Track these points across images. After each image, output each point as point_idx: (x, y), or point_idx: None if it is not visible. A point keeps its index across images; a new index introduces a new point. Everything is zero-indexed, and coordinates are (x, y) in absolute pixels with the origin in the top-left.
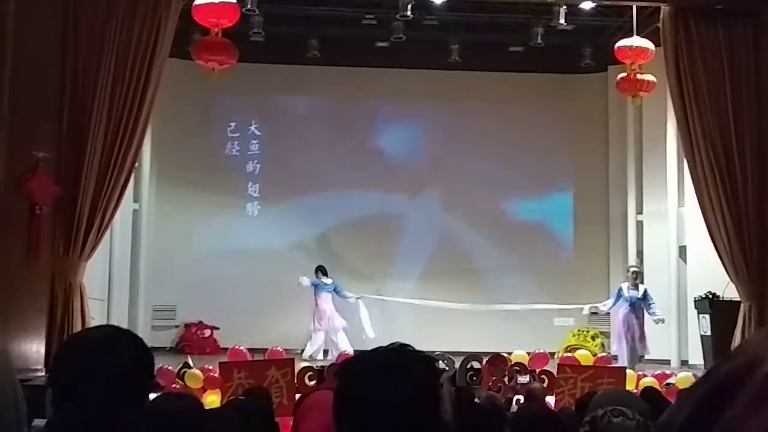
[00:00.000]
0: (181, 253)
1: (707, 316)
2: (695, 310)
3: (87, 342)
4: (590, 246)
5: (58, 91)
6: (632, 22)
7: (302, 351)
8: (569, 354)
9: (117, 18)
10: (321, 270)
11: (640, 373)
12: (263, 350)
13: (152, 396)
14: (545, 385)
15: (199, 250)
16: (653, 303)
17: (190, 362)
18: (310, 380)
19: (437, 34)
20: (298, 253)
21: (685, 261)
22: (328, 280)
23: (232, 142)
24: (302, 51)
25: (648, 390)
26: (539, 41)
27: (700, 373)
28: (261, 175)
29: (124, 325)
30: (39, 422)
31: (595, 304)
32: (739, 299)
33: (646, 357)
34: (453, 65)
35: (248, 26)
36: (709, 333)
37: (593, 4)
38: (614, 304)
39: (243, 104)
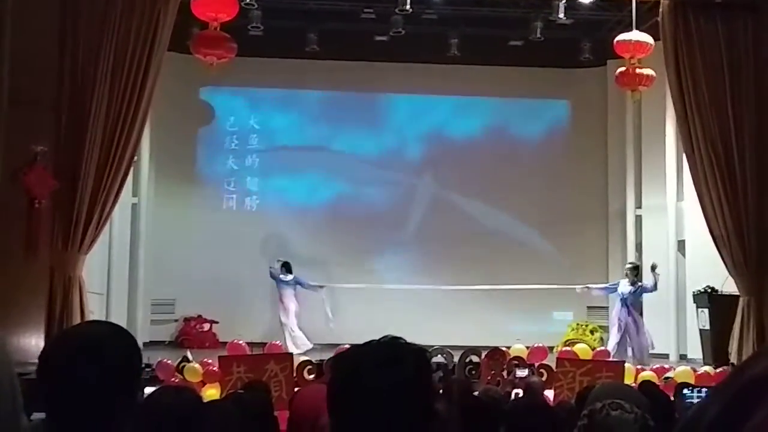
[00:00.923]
0: (180, 246)
1: (706, 310)
2: (694, 304)
3: (75, 339)
4: (589, 240)
5: (57, 84)
6: (631, 16)
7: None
8: (568, 348)
9: (116, 12)
10: (285, 266)
11: (638, 366)
12: (262, 344)
13: (151, 390)
14: (544, 379)
15: (198, 243)
16: (640, 298)
17: (189, 356)
18: (309, 374)
19: (436, 28)
20: (297, 247)
21: (684, 255)
22: (288, 277)
23: (231, 136)
24: (301, 45)
25: (646, 383)
26: (538, 35)
27: (698, 367)
28: (260, 169)
29: (123, 319)
30: (37, 416)
31: (588, 285)
32: (738, 293)
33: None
34: (452, 59)
35: (247, 20)
36: (707, 327)
37: None
38: (606, 290)
39: (242, 98)
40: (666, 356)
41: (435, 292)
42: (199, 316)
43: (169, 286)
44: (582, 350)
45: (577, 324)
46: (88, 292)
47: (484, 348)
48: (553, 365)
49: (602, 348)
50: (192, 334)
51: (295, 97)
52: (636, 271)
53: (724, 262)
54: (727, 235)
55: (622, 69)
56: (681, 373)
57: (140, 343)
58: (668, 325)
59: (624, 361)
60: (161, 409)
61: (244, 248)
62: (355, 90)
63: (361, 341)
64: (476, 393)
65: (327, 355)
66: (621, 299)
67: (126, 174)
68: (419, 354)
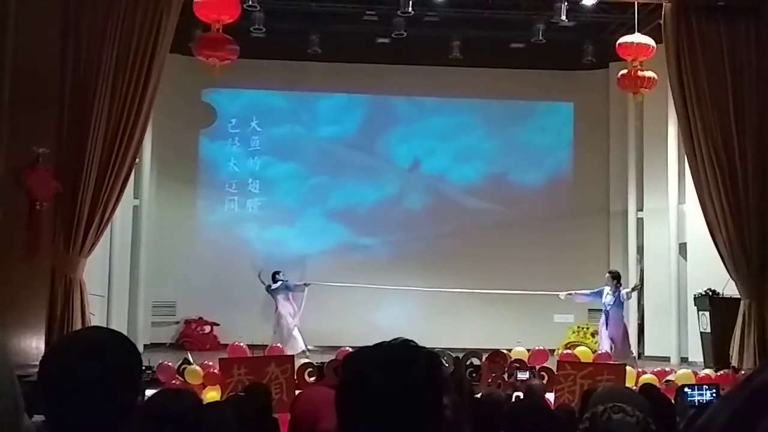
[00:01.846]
0: (182, 249)
1: (707, 313)
2: (695, 307)
3: (74, 345)
4: (591, 242)
5: (59, 86)
6: (634, 18)
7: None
8: (569, 351)
9: (118, 13)
10: (273, 275)
11: (639, 370)
12: (263, 346)
13: (152, 392)
14: (545, 381)
15: (199, 246)
16: (621, 306)
17: (190, 358)
18: (310, 377)
19: (438, 31)
20: (298, 249)
21: (685, 258)
22: (276, 284)
23: (233, 138)
24: (303, 47)
25: (647, 387)
26: (541, 38)
27: (700, 370)
28: (261, 171)
29: (124, 321)
30: (38, 418)
31: (571, 291)
32: (739, 296)
33: (646, 354)
34: (454, 62)
35: (249, 22)
36: (708, 330)
37: (595, 1)
38: (590, 296)
39: (244, 100)
40: (667, 359)
41: (436, 295)
42: (200, 318)
43: (170, 288)
44: (583, 353)
45: (578, 327)
46: (89, 294)
47: (485, 351)
48: (554, 368)
49: (603, 351)
50: (193, 337)
51: (297, 98)
52: (615, 279)
53: (725, 265)
54: (728, 237)
55: (624, 71)
56: (682, 376)
57: (141, 346)
58: (669, 328)
59: (625, 364)
60: (162, 412)
61: (245, 250)
62: (358, 92)
63: (361, 344)
64: (478, 395)
65: (327, 358)
66: (604, 310)
67: (128, 176)
68: (431, 357)
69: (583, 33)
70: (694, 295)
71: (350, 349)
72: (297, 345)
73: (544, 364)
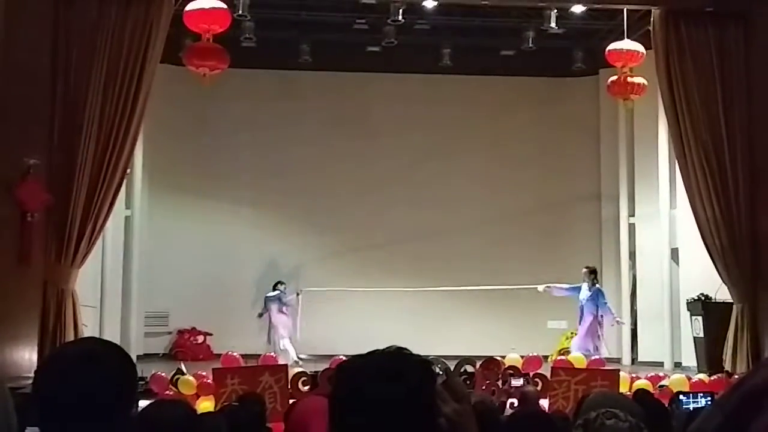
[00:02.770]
0: (174, 259)
1: (700, 318)
2: (688, 312)
3: (69, 355)
4: (582, 248)
5: (49, 97)
6: (623, 25)
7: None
8: (562, 357)
9: (108, 24)
10: (276, 285)
11: (633, 375)
12: (256, 356)
13: (145, 403)
14: (539, 388)
15: (191, 256)
16: (606, 303)
17: (184, 368)
18: (304, 386)
19: (429, 39)
20: (291, 259)
21: (677, 263)
22: (273, 293)
23: (224, 147)
24: (294, 56)
25: (640, 392)
26: (531, 45)
27: (693, 375)
28: (253, 180)
29: (117, 332)
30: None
31: (549, 285)
32: (731, 301)
33: (640, 359)
34: (445, 69)
35: (239, 32)
36: (701, 335)
37: (584, 8)
38: (568, 291)
39: (235, 109)
40: (661, 364)
41: (429, 303)
42: (193, 328)
43: (163, 298)
44: (577, 359)
45: (572, 333)
46: (82, 305)
47: (479, 358)
48: (548, 374)
49: (597, 357)
50: (186, 347)
51: (288, 107)
52: (592, 274)
53: (717, 270)
54: (720, 242)
55: (614, 78)
56: (676, 381)
57: (134, 356)
58: (662, 333)
59: (619, 370)
60: (157, 423)
61: (237, 260)
62: (348, 100)
63: (354, 352)
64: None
65: (321, 367)
66: (580, 306)
67: (119, 186)
68: (424, 365)
69: (573, 40)
70: (687, 300)
71: (344, 358)
72: (288, 357)
73: (538, 371)
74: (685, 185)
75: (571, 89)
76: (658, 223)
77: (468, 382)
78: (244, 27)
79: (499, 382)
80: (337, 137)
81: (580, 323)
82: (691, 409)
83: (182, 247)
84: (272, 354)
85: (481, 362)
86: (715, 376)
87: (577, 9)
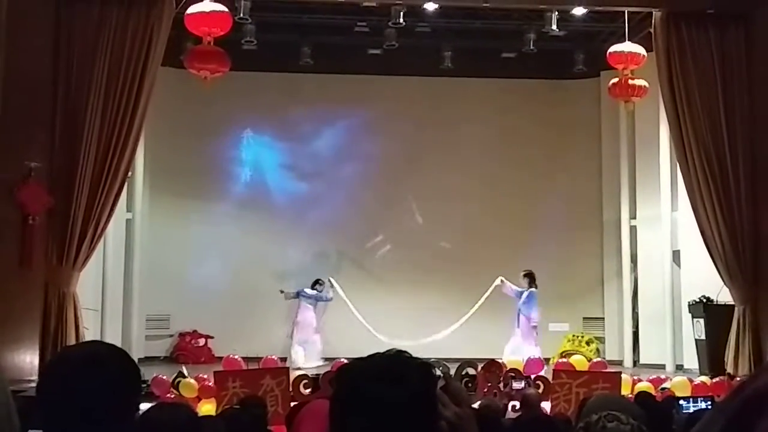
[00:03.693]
0: (175, 262)
1: (701, 320)
2: (689, 315)
3: (74, 358)
4: (584, 251)
5: (51, 100)
6: (624, 27)
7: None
8: (564, 359)
9: (109, 27)
10: (315, 283)
11: (635, 377)
12: (258, 359)
13: (147, 406)
14: (540, 390)
15: (193, 259)
16: (535, 305)
17: (185, 371)
18: (305, 388)
19: (430, 41)
20: (293, 261)
21: (678, 265)
22: (311, 291)
23: (225, 150)
24: (295, 59)
25: (642, 394)
26: (532, 47)
27: (695, 377)
28: (255, 183)
29: (118, 335)
30: None
31: (504, 279)
32: (733, 303)
33: (642, 362)
34: (446, 72)
35: (240, 34)
36: (703, 337)
37: (585, 10)
38: (512, 293)
39: (236, 112)
40: (662, 367)
41: (430, 305)
42: (195, 331)
43: (164, 301)
44: (578, 361)
45: (573, 335)
46: (83, 308)
47: (481, 360)
48: (550, 377)
49: (598, 359)
50: (187, 350)
51: (289, 110)
52: (527, 278)
53: (719, 272)
54: (721, 244)
55: (615, 80)
56: (677, 383)
57: (135, 359)
58: (664, 336)
59: (620, 373)
60: (159, 426)
61: (239, 263)
62: (349, 103)
63: (356, 355)
64: (475, 406)
65: (323, 369)
66: (518, 308)
67: (120, 189)
68: (424, 368)
69: (574, 42)
70: (689, 302)
71: (345, 361)
72: (296, 360)
73: (540, 373)
74: (686, 187)
75: (572, 91)
76: (659, 225)
77: (470, 384)
78: (245, 30)
79: (501, 385)
80: (338, 139)
81: (517, 327)
82: (691, 411)
83: (183, 250)
84: (273, 357)
85: (482, 365)
86: (717, 379)
87: (578, 11)
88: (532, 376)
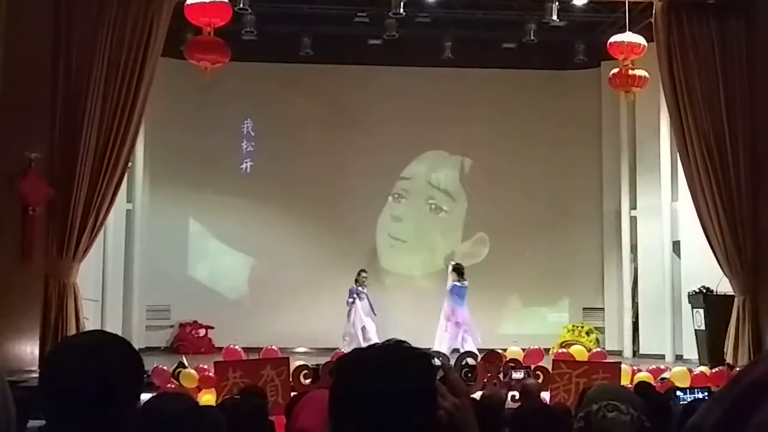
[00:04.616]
0: (175, 252)
1: (701, 311)
2: (689, 305)
3: (76, 346)
4: (584, 242)
5: (51, 91)
6: (625, 17)
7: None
8: (564, 350)
9: (109, 18)
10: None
11: (634, 368)
12: (258, 349)
13: (148, 396)
14: (540, 381)
15: (193, 249)
16: (451, 298)
17: (185, 362)
18: (306, 379)
19: (430, 32)
20: (293, 252)
21: (678, 256)
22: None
23: (225, 141)
24: (295, 49)
25: (642, 385)
26: (532, 37)
27: (695, 368)
28: (255, 174)
29: (118, 326)
30: (34, 423)
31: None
32: (732, 293)
33: (641, 352)
34: (446, 62)
35: (241, 25)
36: (703, 327)
37: (586, 0)
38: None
39: (236, 103)
40: (662, 357)
41: (431, 296)
42: (195, 321)
43: (165, 291)
44: (578, 352)
45: (573, 326)
46: (83, 298)
47: (481, 351)
48: (550, 367)
49: (598, 349)
50: (187, 340)
51: (289, 101)
52: (455, 272)
53: (719, 263)
54: (721, 235)
55: (616, 70)
56: (677, 373)
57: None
58: (664, 326)
59: (620, 363)
60: (161, 416)
61: (239, 254)
62: (349, 93)
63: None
64: (477, 397)
65: (323, 359)
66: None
67: (120, 180)
68: (423, 359)
69: (575, 32)
70: (688, 292)
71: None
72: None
73: (540, 364)
74: (686, 178)
75: (572, 82)
76: (659, 215)
77: (469, 375)
78: (245, 20)
79: (501, 375)
80: (338, 130)
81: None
82: (689, 400)
83: (183, 240)
84: (273, 347)
85: (482, 355)
86: (716, 369)
87: (579, 1)
88: (532, 367)
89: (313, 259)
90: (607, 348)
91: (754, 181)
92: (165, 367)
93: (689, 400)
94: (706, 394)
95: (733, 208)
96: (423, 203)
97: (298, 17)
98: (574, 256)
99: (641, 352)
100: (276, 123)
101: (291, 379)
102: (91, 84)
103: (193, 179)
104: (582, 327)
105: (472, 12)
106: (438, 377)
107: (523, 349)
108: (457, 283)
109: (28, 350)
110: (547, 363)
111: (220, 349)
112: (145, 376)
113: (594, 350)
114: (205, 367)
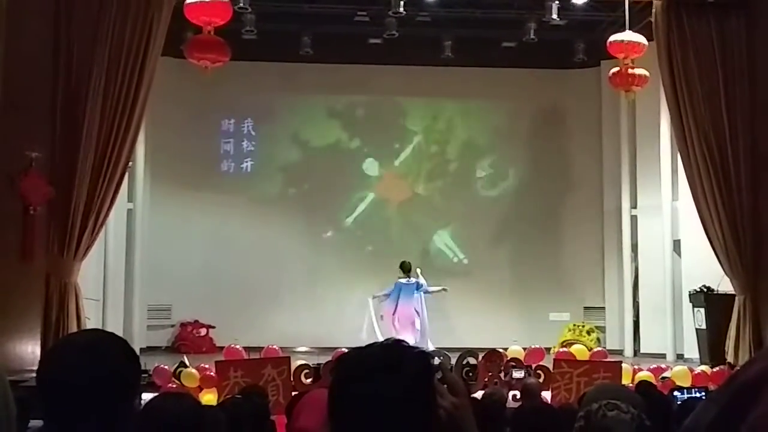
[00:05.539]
0: (176, 252)
1: (702, 310)
2: (690, 304)
3: (74, 345)
4: (585, 241)
5: (51, 90)
6: (625, 16)
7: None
8: (565, 349)
9: (109, 17)
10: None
11: (635, 367)
12: (259, 348)
13: (149, 396)
14: (541, 380)
15: (193, 248)
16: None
17: (186, 361)
18: (307, 378)
19: (430, 31)
20: (293, 252)
21: (679, 255)
22: (411, 279)
23: (226, 140)
24: (295, 48)
25: (643, 384)
26: (532, 37)
27: (695, 367)
28: (255, 173)
29: (119, 325)
30: (35, 423)
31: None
32: (733, 292)
33: (642, 351)
34: (446, 61)
35: (241, 24)
36: (704, 326)
37: None
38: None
39: (237, 102)
40: (663, 356)
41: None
42: (196, 321)
43: (166, 291)
44: (579, 351)
45: (574, 325)
46: (84, 298)
47: (481, 350)
48: (551, 366)
49: (599, 349)
50: (189, 339)
51: (289, 100)
52: (401, 268)
53: (720, 261)
54: (722, 234)
55: (616, 69)
56: (678, 372)
57: (137, 349)
58: (665, 325)
59: (621, 362)
60: (162, 416)
61: (240, 253)
62: (349, 93)
63: (358, 344)
64: (478, 396)
65: (324, 359)
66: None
67: (121, 179)
68: (422, 358)
69: (575, 31)
70: (689, 291)
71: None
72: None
73: (541, 363)
74: (687, 177)
75: (572, 81)
76: (660, 214)
77: (470, 374)
78: (246, 20)
79: (502, 374)
80: (338, 129)
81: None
82: (686, 398)
83: (185, 239)
84: (274, 346)
85: (483, 354)
86: (717, 368)
87: (579, 0)
88: (533, 366)
89: (313, 259)
90: (608, 347)
91: (755, 180)
92: (166, 367)
93: (685, 398)
94: (703, 393)
95: (733, 206)
96: (424, 201)
97: (298, 16)
98: (574, 256)
99: (642, 351)
100: (276, 122)
101: (292, 379)
102: (92, 83)
103: (194, 178)
104: (583, 326)
105: (472, 11)
106: (437, 377)
107: (524, 349)
108: (399, 280)
109: (29, 350)
110: (548, 362)
111: (222, 348)
112: (145, 375)
113: (595, 349)
114: (207, 366)
